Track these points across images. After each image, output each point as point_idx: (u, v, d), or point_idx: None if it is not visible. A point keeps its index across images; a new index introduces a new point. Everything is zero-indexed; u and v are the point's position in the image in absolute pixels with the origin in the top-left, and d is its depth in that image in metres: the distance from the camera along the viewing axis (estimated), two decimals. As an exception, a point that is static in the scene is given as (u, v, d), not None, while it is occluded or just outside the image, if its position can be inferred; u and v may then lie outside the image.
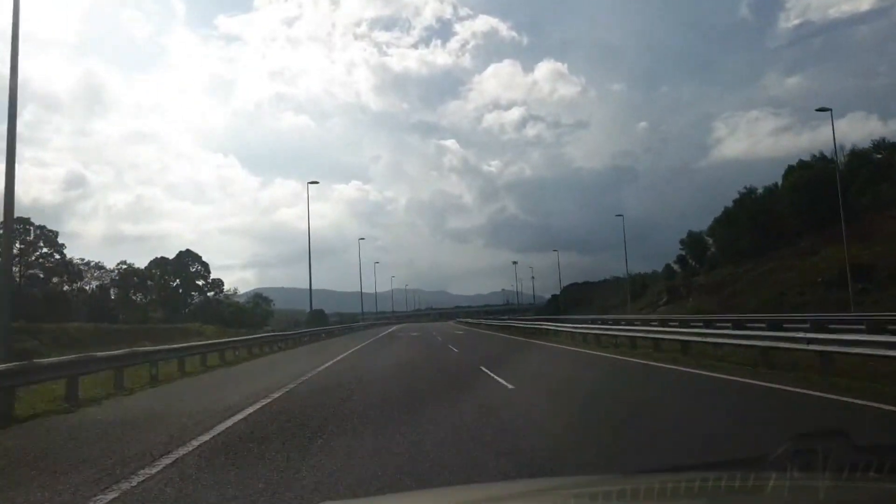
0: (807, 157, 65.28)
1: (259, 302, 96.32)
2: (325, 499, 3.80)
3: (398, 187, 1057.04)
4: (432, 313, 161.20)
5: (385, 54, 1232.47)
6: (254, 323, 78.79)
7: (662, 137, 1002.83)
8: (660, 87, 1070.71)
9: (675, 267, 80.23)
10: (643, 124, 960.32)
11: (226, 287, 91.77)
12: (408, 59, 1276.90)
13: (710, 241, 73.22)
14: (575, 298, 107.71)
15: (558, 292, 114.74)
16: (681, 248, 78.48)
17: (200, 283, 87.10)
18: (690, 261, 76.62)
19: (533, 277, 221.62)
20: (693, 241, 76.80)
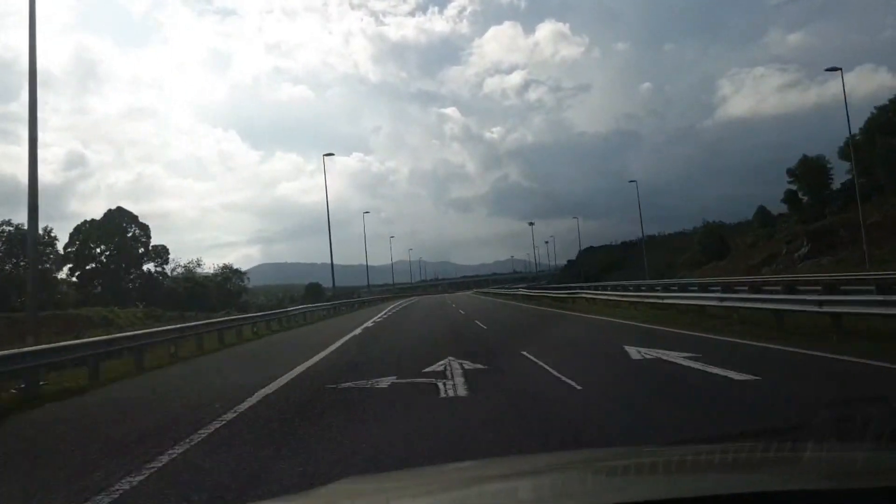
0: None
1: (230, 276, 76.34)
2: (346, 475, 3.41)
3: (400, 158, 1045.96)
4: (439, 284, 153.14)
5: (382, 23, 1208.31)
6: (218, 304, 63.34)
7: (666, 98, 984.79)
8: (663, 45, 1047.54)
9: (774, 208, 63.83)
10: (647, 85, 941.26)
11: (186, 260, 74.91)
12: (405, 27, 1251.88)
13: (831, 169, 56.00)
14: (596, 263, 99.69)
15: (573, 258, 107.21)
16: (789, 181, 59.99)
17: (141, 251, 70.33)
18: (802, 197, 58.98)
19: (547, 242, 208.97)
20: (809, 170, 57.20)
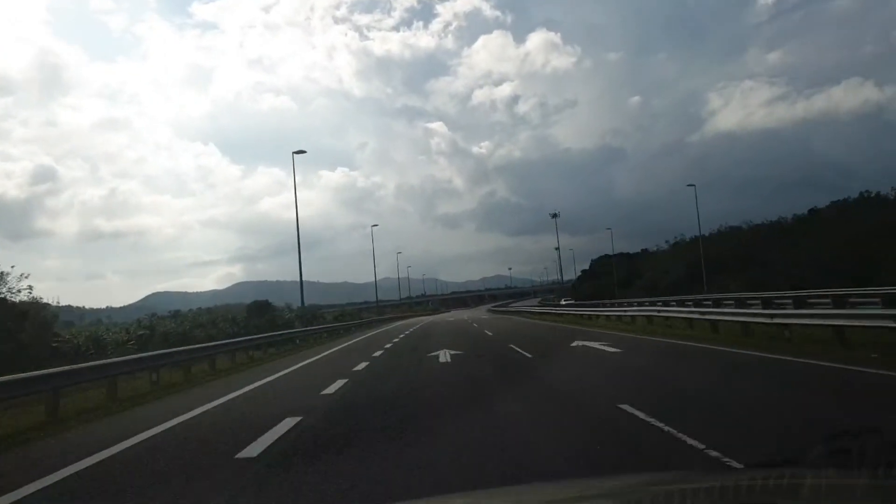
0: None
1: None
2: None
3: (386, 173, 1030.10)
4: (427, 301, 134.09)
5: (366, 38, 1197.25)
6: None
7: (652, 114, 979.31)
8: (646, 63, 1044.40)
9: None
10: (635, 98, 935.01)
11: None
12: (390, 41, 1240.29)
13: None
14: (610, 275, 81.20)
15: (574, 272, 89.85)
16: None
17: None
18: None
19: (557, 249, 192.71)
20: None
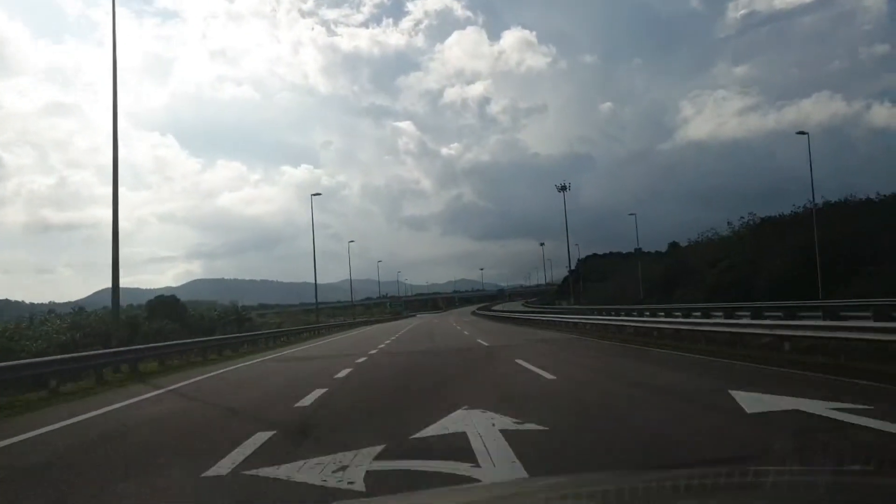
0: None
1: None
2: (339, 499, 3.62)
3: (351, 172, 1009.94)
4: (389, 303, 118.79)
5: (334, 33, 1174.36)
6: None
7: (623, 120, 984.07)
8: (621, 67, 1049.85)
9: None
10: (607, 104, 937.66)
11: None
12: (358, 38, 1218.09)
13: None
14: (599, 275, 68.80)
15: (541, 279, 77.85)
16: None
17: None
18: None
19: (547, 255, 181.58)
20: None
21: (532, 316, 41.79)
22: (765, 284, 33.62)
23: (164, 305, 53.16)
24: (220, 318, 56.93)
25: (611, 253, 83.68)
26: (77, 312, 46.66)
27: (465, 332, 29.72)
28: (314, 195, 53.70)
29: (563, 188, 58.77)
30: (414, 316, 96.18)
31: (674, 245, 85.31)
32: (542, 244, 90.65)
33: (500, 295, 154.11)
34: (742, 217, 52.69)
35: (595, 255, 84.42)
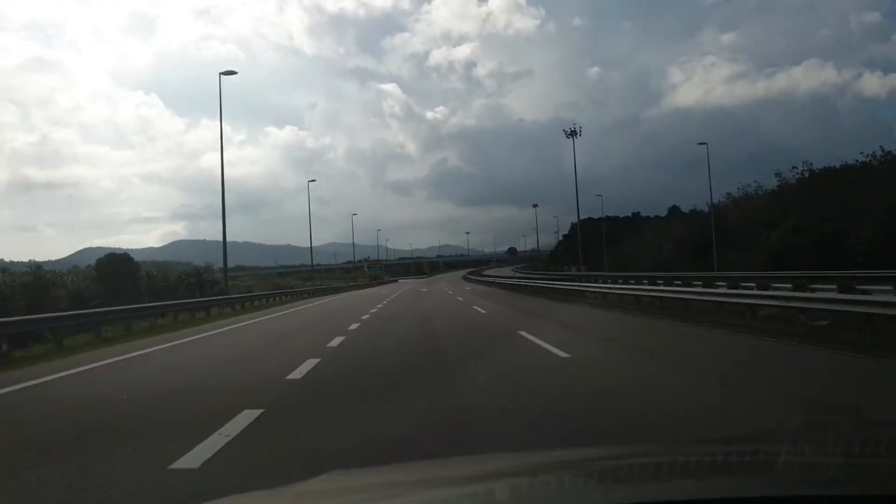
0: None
1: None
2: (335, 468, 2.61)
3: (336, 134, 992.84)
4: (367, 263, 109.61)
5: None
6: None
7: (610, 85, 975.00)
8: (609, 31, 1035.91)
9: None
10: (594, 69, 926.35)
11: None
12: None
13: None
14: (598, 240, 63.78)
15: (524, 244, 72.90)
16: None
17: None
18: None
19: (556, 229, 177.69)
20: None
21: (540, 283, 35.54)
22: (858, 248, 27.79)
23: (116, 264, 46.92)
24: (181, 280, 51.14)
25: (607, 217, 78.16)
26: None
27: (483, 311, 21.25)
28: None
29: (572, 133, 52.25)
30: (395, 281, 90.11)
31: (674, 209, 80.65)
32: (535, 205, 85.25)
33: (487, 260, 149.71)
34: (794, 167, 46.43)
35: (590, 218, 78.95)
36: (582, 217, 63.24)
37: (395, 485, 1.80)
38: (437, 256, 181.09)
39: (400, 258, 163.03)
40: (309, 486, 1.90)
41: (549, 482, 1.77)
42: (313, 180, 58.10)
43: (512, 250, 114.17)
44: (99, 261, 45.47)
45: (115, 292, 39.37)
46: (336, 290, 56.98)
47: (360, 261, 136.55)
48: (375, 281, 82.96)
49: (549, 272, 59.03)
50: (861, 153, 43.61)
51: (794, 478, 1.59)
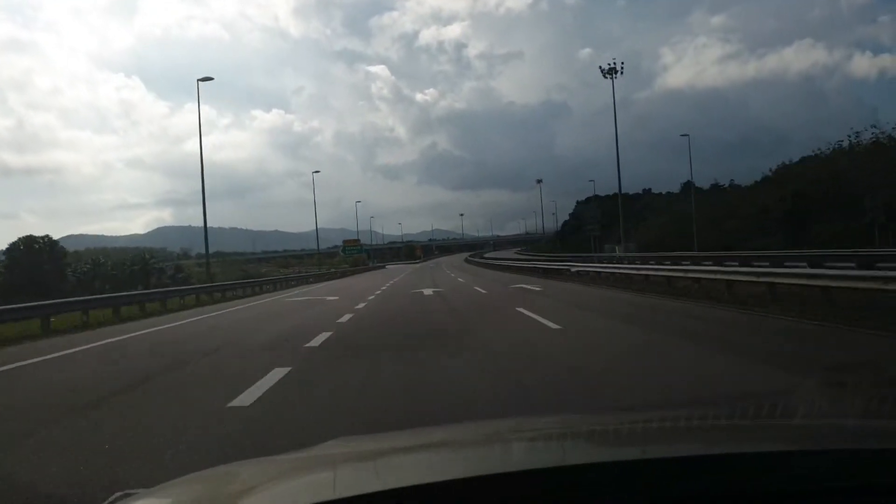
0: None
1: None
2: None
3: (324, 118, 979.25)
4: (349, 249, 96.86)
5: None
6: None
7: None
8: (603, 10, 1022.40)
9: None
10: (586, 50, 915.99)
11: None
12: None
13: None
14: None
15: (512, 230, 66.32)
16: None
17: None
18: None
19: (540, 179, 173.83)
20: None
21: (577, 268, 27.82)
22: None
23: (33, 252, 39.52)
24: (124, 266, 44.07)
25: (615, 194, 71.14)
26: None
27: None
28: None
29: (611, 70, 42.49)
30: (383, 267, 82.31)
31: (687, 185, 74.20)
32: (538, 181, 77.36)
33: (482, 244, 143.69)
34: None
35: (596, 196, 72.01)
36: (584, 197, 56.03)
37: (399, 451, 1.79)
38: (430, 240, 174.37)
39: (390, 242, 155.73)
40: (313, 451, 1.90)
41: (552, 445, 1.81)
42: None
43: (487, 239, 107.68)
44: (12, 246, 38.13)
45: (34, 282, 32.46)
46: (287, 283, 39.24)
47: (332, 248, 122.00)
48: (356, 268, 68.36)
49: (554, 254, 51.99)
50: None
51: (810, 435, 1.59)
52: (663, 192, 75.39)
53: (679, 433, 1.76)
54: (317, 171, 72.73)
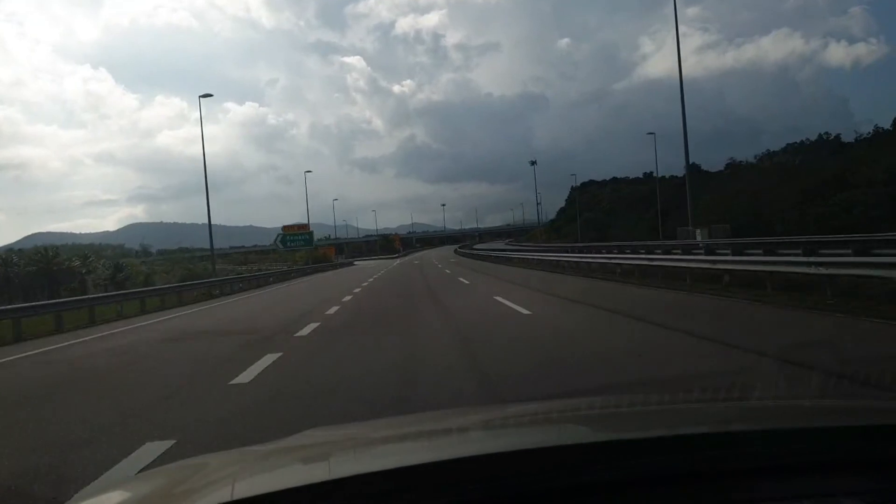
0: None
1: None
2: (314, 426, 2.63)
3: (299, 111, 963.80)
4: (293, 238, 76.37)
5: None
6: None
7: (579, 56, 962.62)
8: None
9: None
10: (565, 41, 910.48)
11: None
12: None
13: None
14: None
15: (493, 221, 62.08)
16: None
17: None
18: None
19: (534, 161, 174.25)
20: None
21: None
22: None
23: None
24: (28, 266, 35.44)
25: (614, 178, 63.61)
26: None
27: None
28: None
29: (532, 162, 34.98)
30: (351, 264, 71.74)
31: (693, 166, 67.71)
32: (532, 162, 69.42)
33: (467, 236, 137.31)
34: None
35: (592, 181, 64.35)
36: (556, 195, 48.32)
37: (372, 441, 1.80)
38: (409, 233, 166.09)
39: (366, 236, 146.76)
40: (284, 443, 1.91)
41: (531, 431, 1.81)
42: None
43: (473, 231, 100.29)
44: None
45: None
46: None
47: (322, 239, 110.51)
48: (305, 267, 51.23)
49: (553, 244, 44.08)
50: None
51: (770, 416, 1.64)
52: (666, 175, 68.14)
53: (650, 415, 1.81)
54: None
